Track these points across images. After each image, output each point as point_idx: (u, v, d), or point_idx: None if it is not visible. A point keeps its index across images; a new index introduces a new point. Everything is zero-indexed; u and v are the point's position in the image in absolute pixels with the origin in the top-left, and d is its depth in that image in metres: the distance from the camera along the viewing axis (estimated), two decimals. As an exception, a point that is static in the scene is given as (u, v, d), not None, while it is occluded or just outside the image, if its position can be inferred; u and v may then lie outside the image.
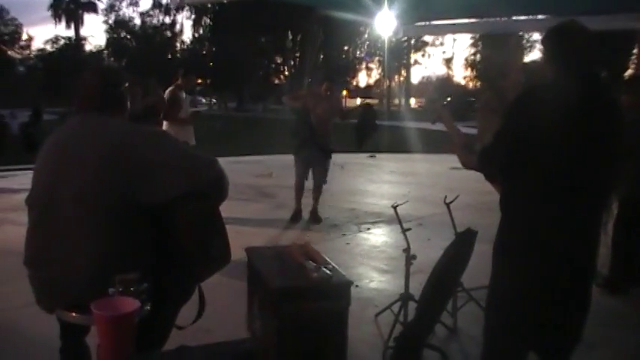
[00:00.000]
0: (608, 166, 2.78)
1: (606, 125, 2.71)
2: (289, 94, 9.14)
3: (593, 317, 3.04)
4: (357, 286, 4.57)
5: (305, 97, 8.26)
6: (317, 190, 8.21)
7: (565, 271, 2.81)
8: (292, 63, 57.40)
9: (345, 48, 58.80)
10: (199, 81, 61.60)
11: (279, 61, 60.04)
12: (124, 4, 64.59)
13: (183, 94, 7.88)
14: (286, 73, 58.65)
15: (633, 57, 25.02)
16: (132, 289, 2.18)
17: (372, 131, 9.27)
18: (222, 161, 2.97)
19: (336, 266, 2.11)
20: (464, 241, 2.84)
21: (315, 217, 8.23)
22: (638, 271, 5.31)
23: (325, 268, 2.07)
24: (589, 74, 2.78)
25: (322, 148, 7.96)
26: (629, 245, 5.27)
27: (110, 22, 64.66)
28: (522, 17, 8.46)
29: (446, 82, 69.52)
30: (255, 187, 11.13)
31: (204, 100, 71.31)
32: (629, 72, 23.90)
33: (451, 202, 4.51)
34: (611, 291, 5.23)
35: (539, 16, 8.33)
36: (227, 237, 2.81)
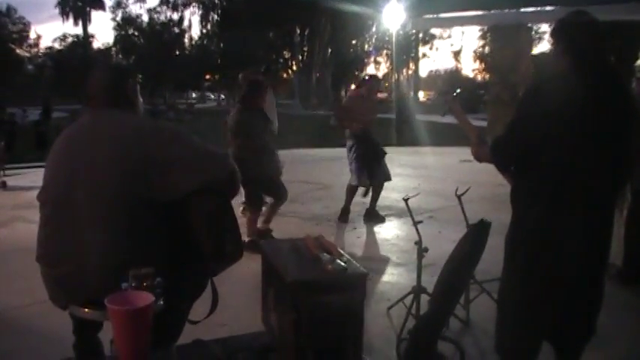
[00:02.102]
0: (622, 157, 2.77)
1: (620, 116, 2.70)
2: (334, 118, 8.50)
3: (606, 309, 3.03)
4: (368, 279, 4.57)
5: (349, 112, 7.95)
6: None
7: (577, 265, 2.80)
8: (300, 57, 57.19)
9: (354, 42, 58.58)
10: (207, 77, 61.90)
11: (287, 56, 59.84)
12: (130, 0, 64.53)
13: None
14: (294, 67, 58.45)
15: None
16: (145, 283, 2.17)
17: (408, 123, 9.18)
18: (234, 156, 2.98)
19: (350, 258, 2.11)
20: (478, 233, 2.83)
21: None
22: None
23: (340, 260, 2.06)
24: (600, 65, 2.77)
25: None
26: (641, 237, 5.25)
27: (118, 19, 64.60)
28: (530, 9, 8.44)
29: (455, 74, 69.41)
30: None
31: (212, 96, 71.45)
32: (639, 62, 23.75)
33: (462, 194, 4.50)
34: (624, 282, 5.21)
35: (548, 8, 8.31)
36: (239, 232, 2.82)
